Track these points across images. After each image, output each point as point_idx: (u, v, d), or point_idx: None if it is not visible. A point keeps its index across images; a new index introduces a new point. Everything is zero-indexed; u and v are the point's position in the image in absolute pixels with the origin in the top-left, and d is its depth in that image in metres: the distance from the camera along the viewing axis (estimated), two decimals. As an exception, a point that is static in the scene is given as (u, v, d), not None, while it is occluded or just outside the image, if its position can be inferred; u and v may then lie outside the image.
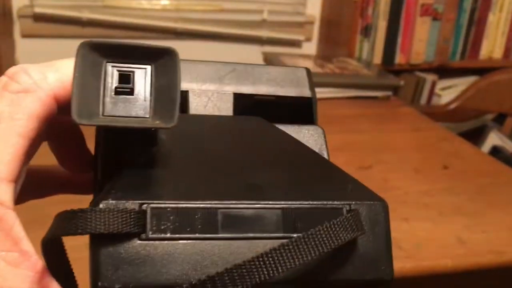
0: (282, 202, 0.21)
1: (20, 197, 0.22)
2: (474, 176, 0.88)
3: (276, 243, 0.20)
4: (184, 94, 0.27)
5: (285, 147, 0.26)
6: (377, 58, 1.61)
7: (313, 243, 0.20)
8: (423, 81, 1.68)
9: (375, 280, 0.22)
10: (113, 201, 0.19)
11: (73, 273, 0.22)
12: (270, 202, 0.21)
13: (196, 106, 0.28)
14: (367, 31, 1.59)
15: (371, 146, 0.96)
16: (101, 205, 0.19)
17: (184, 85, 0.27)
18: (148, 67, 0.21)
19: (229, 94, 0.28)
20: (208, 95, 0.28)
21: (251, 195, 0.21)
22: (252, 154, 0.25)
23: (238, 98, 0.28)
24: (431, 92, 1.70)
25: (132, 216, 0.19)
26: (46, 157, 0.26)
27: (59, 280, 0.20)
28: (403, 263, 0.62)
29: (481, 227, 0.71)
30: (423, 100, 1.70)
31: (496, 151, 1.45)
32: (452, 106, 1.51)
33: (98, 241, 0.19)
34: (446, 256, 0.64)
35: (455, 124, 1.55)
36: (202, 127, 0.26)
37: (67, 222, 0.19)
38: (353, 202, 0.22)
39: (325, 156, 0.28)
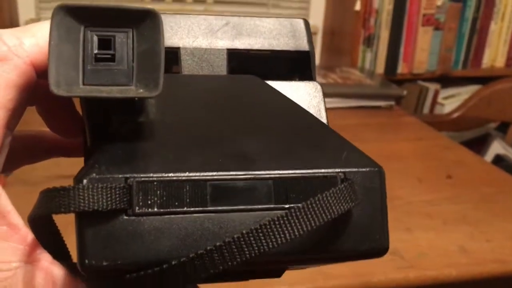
0: (273, 172, 0.20)
1: (13, 163, 0.22)
2: (477, 185, 0.88)
3: (267, 214, 0.19)
4: (175, 51, 0.26)
5: (279, 110, 0.25)
6: (380, 68, 1.62)
7: (305, 217, 0.19)
8: (426, 90, 1.69)
9: (370, 250, 0.21)
10: (97, 176, 0.18)
11: (65, 245, 0.21)
12: (261, 172, 0.20)
13: (189, 65, 0.26)
14: (369, 41, 1.60)
15: (374, 155, 0.96)
16: (84, 181, 0.18)
17: (175, 41, 0.26)
18: (130, 31, 0.20)
19: (223, 51, 0.26)
20: (201, 52, 0.26)
21: (241, 165, 0.20)
22: (244, 119, 0.24)
23: (232, 54, 0.27)
24: (434, 101, 1.70)
25: (117, 192, 0.18)
26: (36, 123, 0.26)
27: (50, 252, 0.20)
28: (406, 272, 0.62)
29: (485, 236, 0.71)
30: (426, 109, 1.70)
31: (499, 160, 1.45)
32: (455, 115, 1.52)
33: (83, 219, 0.18)
34: (449, 265, 0.64)
35: (458, 133, 1.55)
36: (192, 90, 0.25)
37: (50, 201, 0.18)
38: (348, 170, 0.21)
39: (323, 113, 0.26)
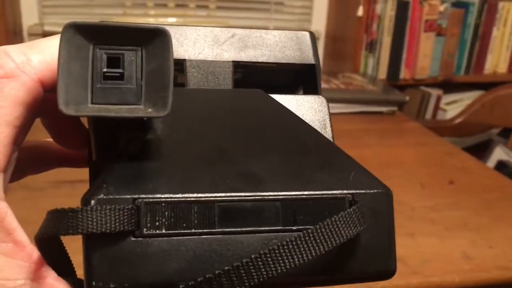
0: (281, 194, 0.20)
1: (18, 174, 0.21)
2: (480, 191, 0.88)
3: (275, 236, 0.19)
4: (181, 62, 0.26)
5: (285, 127, 0.25)
6: (382, 73, 1.62)
7: (314, 242, 0.19)
8: (428, 96, 1.69)
9: (377, 273, 0.21)
10: (105, 197, 0.18)
11: (71, 262, 0.21)
12: (269, 194, 0.20)
13: (194, 77, 0.26)
14: (372, 46, 1.60)
15: (376, 161, 0.97)
16: (92, 202, 0.18)
17: (181, 53, 0.26)
18: (139, 49, 0.20)
19: (229, 63, 0.26)
20: (207, 65, 0.26)
21: (249, 186, 0.20)
22: (251, 136, 0.24)
23: (238, 67, 0.27)
24: (436, 107, 1.70)
25: (125, 213, 0.18)
26: (42, 133, 0.25)
27: (55, 269, 0.20)
28: (409, 279, 0.62)
29: (488, 243, 0.71)
30: (428, 115, 1.70)
31: (501, 166, 1.45)
32: (458, 120, 1.52)
33: (91, 241, 0.18)
34: (453, 272, 0.64)
35: (460, 139, 1.55)
36: (199, 105, 0.25)
37: (58, 222, 0.18)
38: (356, 191, 0.21)
39: (328, 128, 0.26)
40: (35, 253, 0.19)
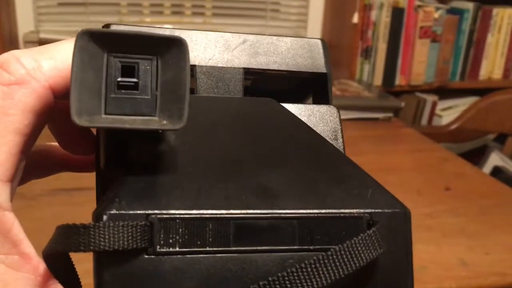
0: (298, 211, 0.19)
1: (22, 178, 0.21)
2: (476, 198, 0.88)
3: (291, 256, 0.19)
4: (191, 68, 0.25)
5: (299, 139, 0.24)
6: (378, 80, 1.63)
7: (333, 265, 0.18)
8: (424, 102, 1.69)
9: None
10: (117, 212, 0.18)
11: (78, 278, 0.21)
12: (286, 211, 0.19)
13: (204, 84, 0.25)
14: (367, 53, 1.61)
15: (373, 167, 0.96)
16: (104, 218, 0.17)
17: (191, 58, 0.24)
18: (154, 58, 0.19)
19: (239, 70, 0.26)
20: (217, 71, 0.25)
21: (265, 202, 0.19)
22: (264, 148, 0.23)
23: (248, 73, 0.26)
24: (432, 113, 1.71)
25: (139, 230, 0.17)
26: (48, 138, 0.25)
27: (62, 283, 0.19)
28: (407, 286, 0.62)
29: (484, 249, 0.71)
30: (424, 120, 1.71)
31: (497, 172, 1.45)
32: (453, 126, 1.52)
33: (103, 258, 0.17)
34: (450, 278, 0.64)
35: (456, 145, 1.56)
36: (211, 115, 0.24)
37: (69, 238, 0.17)
38: (373, 211, 0.20)
39: (339, 139, 0.26)
40: (41, 266, 0.19)
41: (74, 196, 0.74)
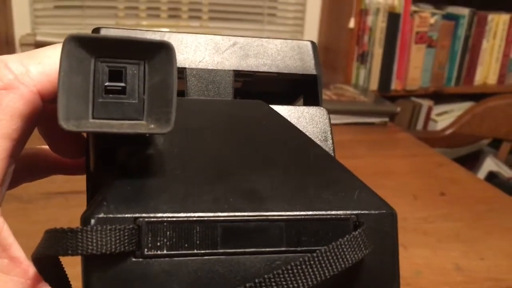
0: (285, 214, 0.20)
1: (12, 182, 0.21)
2: (471, 203, 0.89)
3: (278, 258, 0.19)
4: (181, 71, 0.25)
5: (287, 141, 0.24)
6: (374, 85, 1.63)
7: (319, 266, 0.18)
8: (419, 107, 1.70)
9: None
10: (105, 216, 0.18)
11: (68, 280, 0.21)
12: (273, 214, 0.20)
13: (194, 86, 0.25)
14: (363, 58, 1.62)
15: (368, 172, 0.97)
16: (92, 221, 0.18)
17: (181, 61, 0.25)
18: (141, 63, 0.19)
19: (229, 72, 0.26)
20: (207, 73, 0.25)
21: (252, 205, 0.20)
22: (253, 151, 0.23)
23: (238, 76, 0.26)
24: (427, 118, 1.71)
25: (126, 233, 0.18)
26: (39, 140, 0.25)
27: (52, 286, 0.19)
28: (402, 290, 0.62)
29: (479, 255, 0.71)
30: (420, 125, 1.72)
31: (492, 177, 1.46)
32: (448, 131, 1.53)
33: (90, 261, 0.18)
34: (445, 284, 0.64)
35: (451, 150, 1.56)
36: (199, 117, 0.24)
37: (57, 242, 0.18)
38: (360, 212, 0.20)
39: (329, 141, 0.26)
40: (31, 269, 0.19)
41: (70, 200, 0.74)
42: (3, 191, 0.20)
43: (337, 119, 1.25)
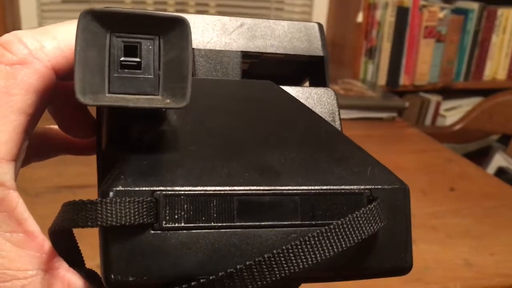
0: (300, 188, 0.20)
1: (23, 159, 0.21)
2: (480, 198, 0.88)
3: (294, 231, 0.19)
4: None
5: (298, 119, 0.24)
6: (382, 80, 1.62)
7: (336, 238, 0.19)
8: (428, 102, 1.69)
9: (394, 268, 0.21)
10: (123, 189, 0.18)
11: (80, 252, 0.21)
12: (288, 188, 0.20)
13: (202, 67, 0.25)
14: (371, 53, 1.61)
15: (377, 167, 0.96)
16: (110, 194, 0.18)
17: None
18: (156, 38, 0.19)
19: (237, 53, 0.26)
20: (215, 54, 0.25)
21: (267, 179, 0.20)
22: (265, 128, 0.23)
23: (246, 57, 0.26)
24: (436, 113, 1.70)
25: (145, 206, 0.18)
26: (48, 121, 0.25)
27: (66, 260, 0.20)
28: (412, 286, 0.61)
29: (489, 250, 0.71)
30: (428, 121, 1.71)
31: (501, 173, 1.45)
32: (457, 127, 1.52)
33: (110, 233, 0.18)
34: (455, 279, 0.64)
35: (460, 145, 1.55)
36: (211, 96, 0.24)
37: (76, 214, 0.18)
38: (374, 187, 0.21)
39: (337, 121, 0.26)
40: (46, 243, 0.19)
41: (77, 194, 0.74)
42: (18, 166, 0.20)
43: (345, 114, 1.24)
